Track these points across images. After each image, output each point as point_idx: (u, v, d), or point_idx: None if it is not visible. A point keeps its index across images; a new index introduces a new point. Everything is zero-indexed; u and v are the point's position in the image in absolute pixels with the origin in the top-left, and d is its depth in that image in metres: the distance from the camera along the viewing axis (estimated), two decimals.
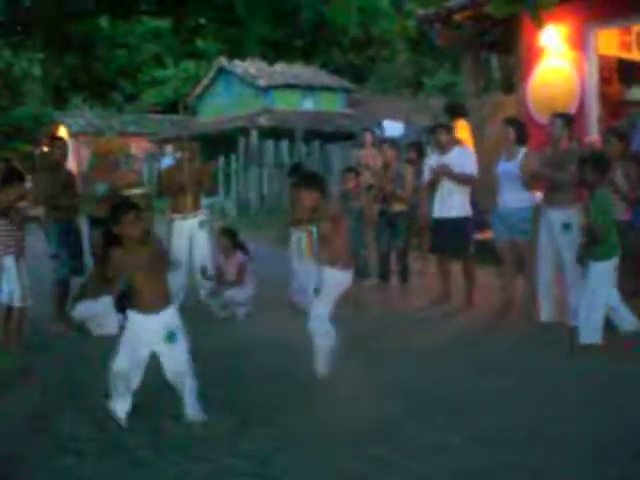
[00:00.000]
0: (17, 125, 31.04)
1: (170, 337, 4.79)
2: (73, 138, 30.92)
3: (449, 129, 8.36)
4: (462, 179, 7.91)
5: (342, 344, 5.67)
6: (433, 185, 8.11)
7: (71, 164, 27.70)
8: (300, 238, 8.01)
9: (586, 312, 6.02)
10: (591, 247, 6.06)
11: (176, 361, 4.83)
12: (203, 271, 8.08)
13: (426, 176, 8.24)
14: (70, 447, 4.52)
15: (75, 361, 6.42)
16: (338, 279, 5.62)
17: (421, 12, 11.32)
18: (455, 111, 10.39)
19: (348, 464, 4.17)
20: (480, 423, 4.72)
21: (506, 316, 7.46)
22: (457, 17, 10.78)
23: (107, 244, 4.96)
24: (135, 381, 4.86)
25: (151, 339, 4.82)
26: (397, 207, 8.53)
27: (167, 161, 15.82)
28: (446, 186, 7.97)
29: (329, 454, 4.33)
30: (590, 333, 6.01)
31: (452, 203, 7.97)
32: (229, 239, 8.21)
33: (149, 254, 4.85)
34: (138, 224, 4.80)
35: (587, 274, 6.12)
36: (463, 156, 8.02)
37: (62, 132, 31.37)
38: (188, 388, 4.87)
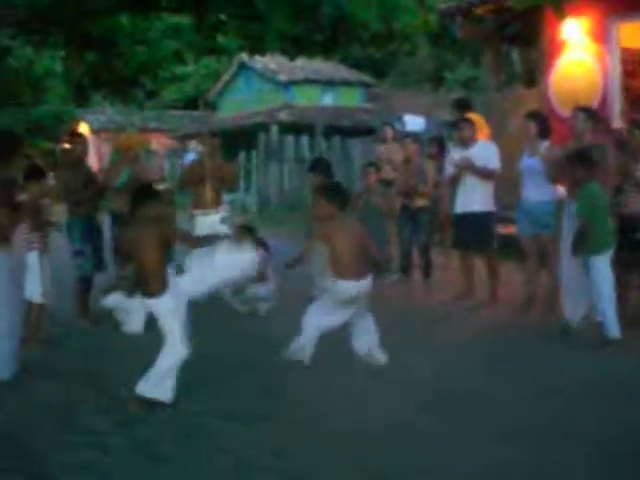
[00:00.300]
0: (39, 122, 31.25)
1: None
2: (94, 135, 31.11)
3: (472, 123, 8.29)
4: (485, 174, 7.86)
5: None
6: (456, 180, 8.06)
7: (92, 160, 27.92)
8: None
9: (600, 308, 6.14)
10: (581, 241, 6.16)
11: None
12: None
13: (448, 170, 8.19)
14: (92, 441, 4.54)
15: (97, 356, 6.45)
16: (344, 289, 5.60)
17: (442, 6, 11.27)
18: (463, 106, 10.35)
19: (369, 459, 4.17)
20: (499, 418, 4.70)
21: (529, 311, 7.42)
22: (478, 10, 10.72)
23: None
24: None
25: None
26: (419, 202, 8.50)
27: (190, 157, 15.86)
28: (469, 181, 7.92)
29: (350, 449, 4.32)
30: (610, 327, 6.07)
31: (475, 198, 7.91)
32: (248, 236, 8.20)
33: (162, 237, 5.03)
34: (155, 208, 5.07)
35: (588, 270, 6.21)
36: (486, 150, 7.96)
37: (83, 129, 31.55)
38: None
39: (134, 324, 6.87)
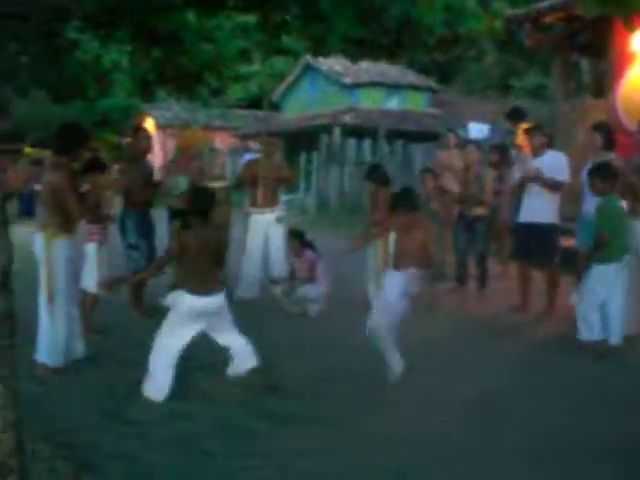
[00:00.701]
0: (105, 116, 31.92)
1: None
2: (160, 130, 31.60)
3: (543, 132, 8.07)
4: (552, 185, 7.64)
5: (412, 347, 5.61)
6: (521, 187, 7.88)
7: (157, 155, 28.36)
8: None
9: (583, 310, 6.41)
10: (596, 251, 6.34)
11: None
12: (272, 280, 8.24)
13: (515, 178, 8.00)
14: (138, 432, 4.61)
15: (147, 348, 6.51)
16: (398, 280, 5.60)
17: (510, 12, 11.08)
18: (516, 116, 10.20)
19: (410, 467, 4.14)
20: (539, 437, 4.58)
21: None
22: (547, 18, 10.51)
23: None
24: None
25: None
26: (476, 211, 8.34)
27: (248, 156, 16.01)
28: (534, 190, 7.72)
29: (392, 456, 4.27)
30: (586, 331, 6.36)
31: (540, 208, 7.68)
32: (297, 240, 8.24)
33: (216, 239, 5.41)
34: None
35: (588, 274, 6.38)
36: (556, 161, 7.71)
37: (149, 124, 32.09)
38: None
39: None
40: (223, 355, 5.55)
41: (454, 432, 4.63)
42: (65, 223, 5.75)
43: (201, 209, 5.45)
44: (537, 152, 7.81)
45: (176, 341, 5.28)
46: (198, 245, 5.27)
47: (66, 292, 5.80)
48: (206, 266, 5.31)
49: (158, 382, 5.26)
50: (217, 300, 5.34)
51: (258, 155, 9.59)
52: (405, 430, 4.67)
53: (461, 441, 4.51)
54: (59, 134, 5.99)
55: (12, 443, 2.64)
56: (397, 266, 5.70)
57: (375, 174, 8.43)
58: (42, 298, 5.76)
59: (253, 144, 19.80)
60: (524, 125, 9.97)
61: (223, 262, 5.84)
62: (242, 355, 5.54)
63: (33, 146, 23.84)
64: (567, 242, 8.67)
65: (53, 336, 5.73)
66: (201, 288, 5.25)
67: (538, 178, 7.63)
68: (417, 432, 4.63)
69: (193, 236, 5.30)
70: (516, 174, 8.05)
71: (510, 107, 12.49)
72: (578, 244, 7.59)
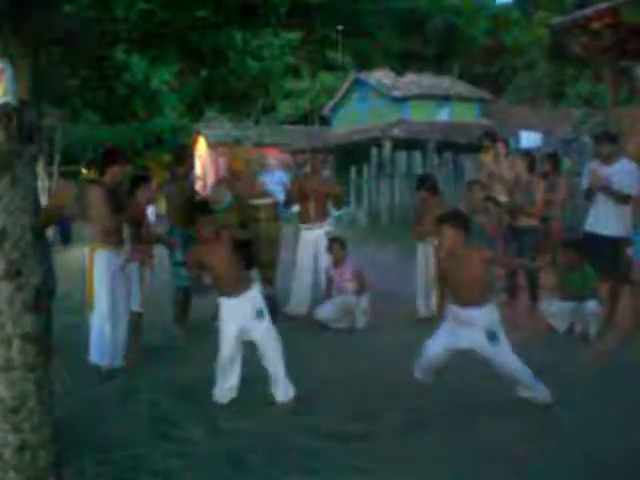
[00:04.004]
0: (157, 136, 32.43)
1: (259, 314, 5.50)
2: (211, 148, 31.97)
3: (614, 139, 7.84)
4: (620, 197, 7.39)
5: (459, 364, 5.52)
6: (590, 194, 7.65)
7: (209, 173, 28.68)
8: (426, 252, 7.96)
9: None
10: None
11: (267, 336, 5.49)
12: None
13: (584, 184, 7.78)
14: (181, 450, 4.62)
15: (194, 364, 6.56)
16: (492, 315, 5.29)
17: (557, 20, 10.92)
18: (491, 137, 10.16)
19: None
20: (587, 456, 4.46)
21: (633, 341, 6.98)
22: (595, 25, 10.32)
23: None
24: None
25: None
26: (524, 222, 8.19)
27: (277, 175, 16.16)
28: (601, 199, 7.50)
29: (436, 476, 4.21)
30: None
31: (606, 220, 7.46)
32: (341, 247, 8.18)
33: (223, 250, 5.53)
34: (210, 225, 5.54)
35: None
36: (626, 171, 7.46)
37: (201, 142, 32.52)
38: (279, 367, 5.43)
39: None
40: (265, 370, 5.54)
41: (515, 451, 4.53)
42: (106, 236, 6.19)
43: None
44: (608, 160, 7.57)
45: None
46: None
47: (108, 302, 6.13)
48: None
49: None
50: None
51: (286, 173, 9.69)
52: (453, 449, 4.59)
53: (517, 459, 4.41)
54: (102, 156, 6.56)
55: (48, 460, 2.68)
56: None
57: (425, 183, 8.39)
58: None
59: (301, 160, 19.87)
60: (500, 145, 9.99)
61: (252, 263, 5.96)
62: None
63: (88, 168, 24.38)
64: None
65: (98, 337, 6.13)
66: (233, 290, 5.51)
67: (606, 187, 7.42)
68: (470, 452, 4.54)
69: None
70: (584, 179, 7.81)
71: (484, 130, 12.53)
72: (637, 256, 7.32)
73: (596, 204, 7.57)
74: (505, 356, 5.17)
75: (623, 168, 7.51)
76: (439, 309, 5.70)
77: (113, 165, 6.34)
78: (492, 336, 5.14)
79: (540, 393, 5.22)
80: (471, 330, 5.20)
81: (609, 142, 7.65)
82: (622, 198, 7.40)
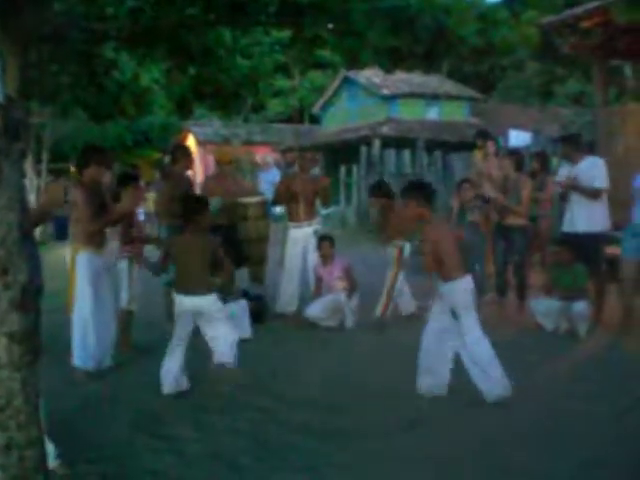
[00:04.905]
0: (146, 134, 32.34)
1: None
2: (200, 146, 31.91)
3: (575, 139, 7.99)
4: (591, 193, 7.52)
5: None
6: (565, 197, 7.77)
7: (198, 171, 28.62)
8: (390, 252, 8.01)
9: None
10: None
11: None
12: None
13: (556, 188, 7.91)
14: (171, 448, 4.62)
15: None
16: (463, 287, 5.40)
17: (546, 19, 10.94)
18: (484, 136, 10.20)
19: None
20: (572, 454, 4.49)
21: (626, 338, 7.03)
22: (584, 24, 10.34)
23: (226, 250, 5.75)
24: None
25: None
26: (511, 220, 8.22)
27: (270, 173, 16.09)
28: (574, 199, 7.61)
29: (430, 473, 4.22)
30: None
31: (580, 217, 7.57)
32: (330, 244, 8.20)
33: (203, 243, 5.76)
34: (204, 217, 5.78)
35: None
36: (593, 167, 7.61)
37: (190, 140, 32.44)
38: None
39: (240, 330, 6.82)
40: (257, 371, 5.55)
41: (503, 448, 4.54)
42: (88, 237, 6.07)
43: (190, 215, 5.84)
44: (573, 160, 7.72)
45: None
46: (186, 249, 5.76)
47: (92, 303, 6.02)
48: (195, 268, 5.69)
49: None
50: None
51: (276, 171, 9.66)
52: (444, 447, 4.60)
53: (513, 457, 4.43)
54: (80, 155, 6.43)
55: (36, 460, 2.67)
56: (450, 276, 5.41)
57: (381, 189, 8.38)
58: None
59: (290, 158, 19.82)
60: (489, 144, 10.01)
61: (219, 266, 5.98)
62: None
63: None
64: (611, 250, 8.49)
65: (80, 341, 6.02)
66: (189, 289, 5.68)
67: (574, 186, 7.53)
68: (458, 448, 4.56)
69: (182, 241, 5.85)
70: (556, 183, 7.94)
71: (478, 129, 12.56)
72: (625, 255, 7.36)
73: (570, 204, 7.67)
74: (473, 334, 5.29)
75: (589, 164, 7.66)
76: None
77: (89, 166, 6.20)
78: (455, 314, 5.32)
79: (499, 387, 5.27)
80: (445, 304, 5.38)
81: (570, 143, 7.85)
82: (593, 193, 7.53)
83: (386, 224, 8.22)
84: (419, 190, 5.56)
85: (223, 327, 5.72)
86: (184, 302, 5.68)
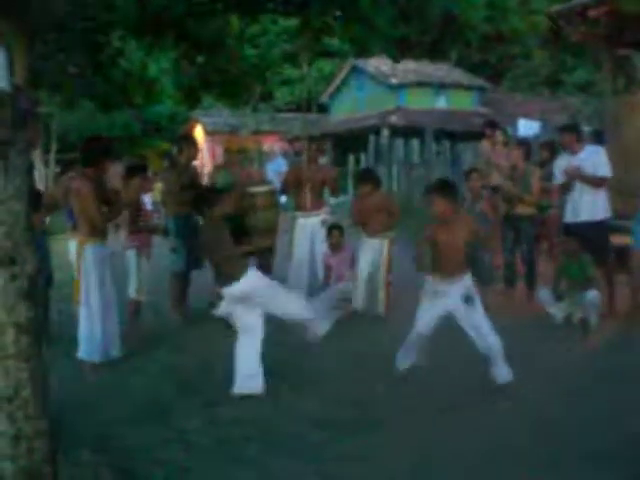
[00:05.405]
0: (155, 123, 32.28)
1: None
2: (209, 136, 31.86)
3: (575, 129, 7.93)
4: (594, 182, 7.49)
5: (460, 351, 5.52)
6: (566, 187, 7.74)
7: (206, 161, 28.59)
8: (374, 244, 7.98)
9: None
10: None
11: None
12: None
13: (558, 178, 7.87)
14: (178, 438, 4.62)
15: (192, 351, 6.55)
16: (468, 282, 5.43)
17: (553, 8, 10.85)
18: (492, 125, 10.15)
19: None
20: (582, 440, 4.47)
21: (633, 330, 6.99)
22: (592, 12, 10.23)
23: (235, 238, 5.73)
24: None
25: None
26: (521, 210, 8.17)
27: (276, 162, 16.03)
28: (577, 188, 7.59)
29: (439, 464, 4.20)
30: None
31: (583, 206, 7.56)
32: (339, 232, 8.20)
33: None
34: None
35: None
36: (594, 156, 7.58)
37: (198, 130, 32.40)
38: None
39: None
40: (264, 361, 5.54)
41: (513, 441, 4.53)
42: (94, 229, 6.01)
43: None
44: (573, 150, 7.66)
45: None
46: None
47: (99, 294, 5.98)
48: None
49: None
50: None
51: (282, 160, 9.63)
52: (453, 437, 4.59)
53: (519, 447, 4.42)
54: (83, 147, 6.28)
55: (45, 451, 2.66)
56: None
57: (370, 177, 8.29)
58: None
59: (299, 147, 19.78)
60: (497, 133, 9.98)
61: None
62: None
63: None
64: (620, 240, 8.44)
65: (87, 333, 5.94)
66: None
67: (578, 176, 7.48)
68: (466, 447, 4.53)
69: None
70: (556, 173, 7.89)
71: (486, 119, 12.49)
72: (633, 244, 7.32)
73: (572, 194, 7.62)
74: (480, 318, 5.35)
75: (589, 154, 7.62)
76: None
77: (104, 158, 6.14)
78: (468, 299, 5.36)
79: (502, 372, 5.37)
80: (448, 297, 5.40)
81: (570, 132, 7.80)
82: (597, 182, 7.49)
83: (364, 210, 8.07)
84: (450, 189, 5.53)
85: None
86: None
